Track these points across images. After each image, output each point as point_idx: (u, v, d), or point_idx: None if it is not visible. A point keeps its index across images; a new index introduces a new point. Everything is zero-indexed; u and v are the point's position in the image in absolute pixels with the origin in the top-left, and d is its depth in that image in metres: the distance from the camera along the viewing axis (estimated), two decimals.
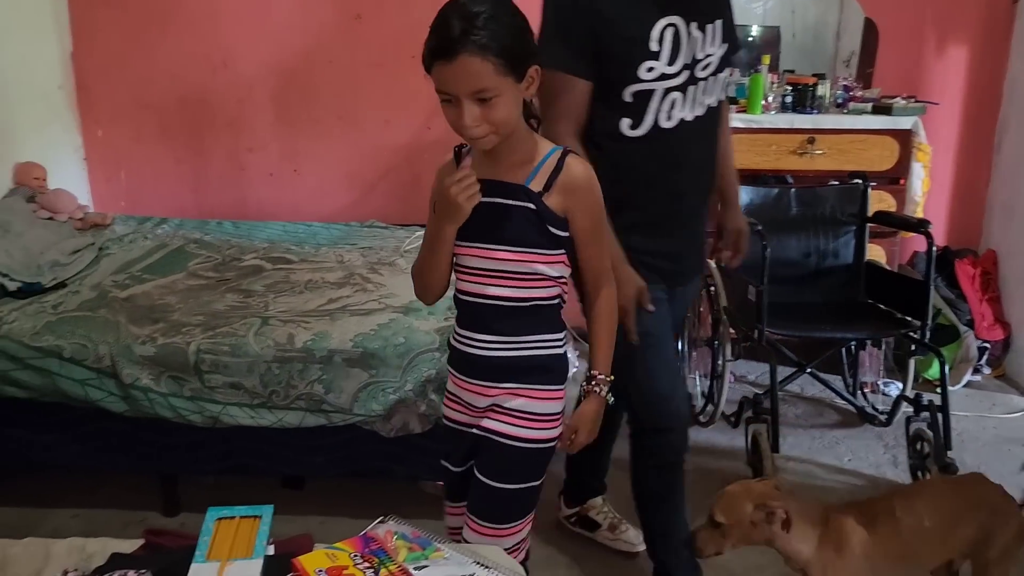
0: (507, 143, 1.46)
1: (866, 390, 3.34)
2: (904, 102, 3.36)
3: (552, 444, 1.60)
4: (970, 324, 3.60)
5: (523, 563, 1.60)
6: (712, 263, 3.12)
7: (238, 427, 2.33)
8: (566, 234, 1.51)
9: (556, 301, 1.57)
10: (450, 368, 1.64)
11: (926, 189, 3.42)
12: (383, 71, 3.80)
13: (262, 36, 3.75)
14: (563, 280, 1.57)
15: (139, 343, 2.33)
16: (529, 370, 1.55)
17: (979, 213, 3.88)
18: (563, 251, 1.53)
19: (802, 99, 3.41)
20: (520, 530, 1.62)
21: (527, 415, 1.56)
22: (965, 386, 3.51)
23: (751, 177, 3.37)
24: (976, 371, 3.57)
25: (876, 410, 3.19)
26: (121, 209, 3.88)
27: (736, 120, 3.36)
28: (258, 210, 3.93)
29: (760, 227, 2.74)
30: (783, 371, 3.06)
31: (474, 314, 1.55)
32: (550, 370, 1.57)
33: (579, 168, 1.51)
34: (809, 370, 3.07)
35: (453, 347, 1.63)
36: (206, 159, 3.93)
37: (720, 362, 3.00)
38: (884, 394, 3.37)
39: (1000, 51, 3.68)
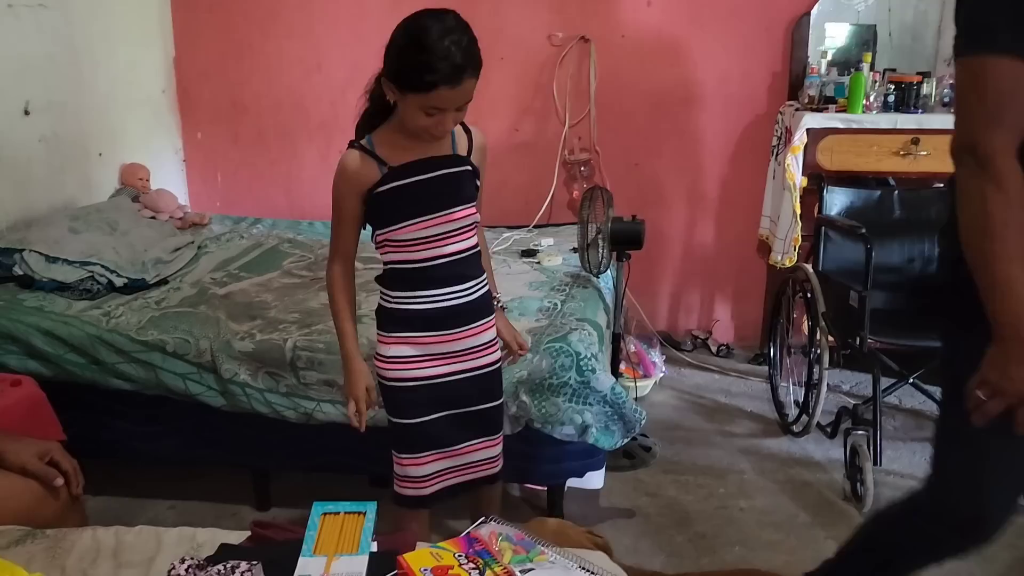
0: None
1: None
2: None
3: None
4: None
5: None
6: (808, 267, 3.03)
7: (330, 424, 2.36)
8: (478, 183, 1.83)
9: (478, 245, 1.89)
10: (399, 334, 1.83)
11: None
12: None
13: (355, 39, 3.81)
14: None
15: (238, 339, 2.39)
16: (486, 306, 1.89)
17: None
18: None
19: (905, 98, 3.28)
20: (502, 438, 2.00)
21: (492, 342, 1.91)
22: None
23: (851, 179, 3.27)
24: None
25: None
26: (217, 209, 4.00)
27: (836, 120, 3.26)
28: None
29: (863, 230, 2.64)
30: (883, 382, 2.94)
31: (446, 272, 1.80)
32: (490, 301, 1.92)
33: (480, 133, 1.84)
34: (912, 380, 2.94)
35: (418, 311, 1.81)
36: (299, 161, 4.02)
37: (817, 370, 2.90)
38: None
39: None
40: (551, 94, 3.79)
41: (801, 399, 3.07)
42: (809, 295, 2.97)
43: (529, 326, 2.41)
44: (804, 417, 3.03)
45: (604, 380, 2.32)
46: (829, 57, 3.58)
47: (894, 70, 3.48)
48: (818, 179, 3.18)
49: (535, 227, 3.68)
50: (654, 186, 3.84)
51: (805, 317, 3.07)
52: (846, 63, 3.54)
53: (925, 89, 3.30)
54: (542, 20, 3.73)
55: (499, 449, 1.99)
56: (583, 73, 3.76)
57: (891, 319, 2.78)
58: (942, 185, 3.08)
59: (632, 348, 3.40)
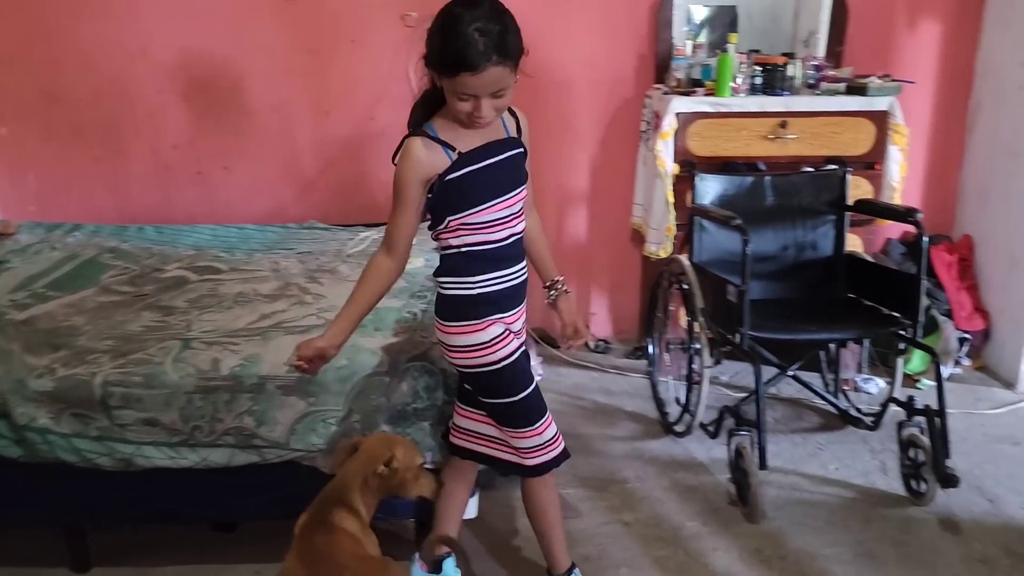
0: None
1: (846, 388, 3.14)
2: (879, 81, 3.16)
3: None
4: (948, 314, 3.43)
5: (550, 460, 1.96)
6: (683, 259, 2.89)
7: (156, 469, 2.01)
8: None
9: None
10: (491, 318, 1.82)
11: (904, 174, 3.23)
12: (320, 58, 3.48)
13: (184, 21, 3.39)
14: None
15: (35, 376, 2.00)
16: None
17: (952, 197, 3.72)
18: None
19: (772, 80, 3.19)
20: (544, 430, 1.95)
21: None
22: (946, 380, 3.34)
23: (721, 165, 3.15)
24: (957, 363, 3.41)
25: (859, 411, 2.99)
26: (31, 215, 3.50)
27: (704, 104, 3.13)
28: (185, 213, 3.58)
29: (739, 221, 2.50)
30: (767, 372, 2.83)
31: (510, 252, 1.83)
32: None
33: (522, 112, 1.88)
34: (791, 373, 2.85)
35: (500, 291, 1.82)
36: (125, 158, 3.56)
37: (697, 367, 2.76)
38: (865, 392, 3.18)
39: (972, 26, 3.50)
40: (407, 79, 3.50)
41: (681, 396, 2.94)
42: (685, 287, 2.83)
43: (385, 342, 2.14)
44: (686, 416, 2.90)
45: None
46: (695, 39, 3.45)
47: (758, 51, 3.39)
48: (690, 166, 3.04)
49: None
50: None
51: (682, 310, 2.93)
52: (712, 45, 3.42)
53: (791, 71, 3.22)
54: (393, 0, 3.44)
55: (525, 444, 1.95)
56: None
57: (768, 310, 2.67)
58: (812, 169, 3.01)
59: None
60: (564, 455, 1.95)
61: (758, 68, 3.22)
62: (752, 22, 3.58)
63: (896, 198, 3.20)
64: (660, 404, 3.09)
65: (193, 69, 3.47)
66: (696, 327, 2.76)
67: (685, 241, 2.96)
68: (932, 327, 3.38)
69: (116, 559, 2.21)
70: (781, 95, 3.18)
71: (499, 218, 1.78)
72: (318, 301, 2.46)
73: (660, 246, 3.20)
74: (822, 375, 3.13)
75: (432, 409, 2.03)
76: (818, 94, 3.21)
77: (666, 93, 3.23)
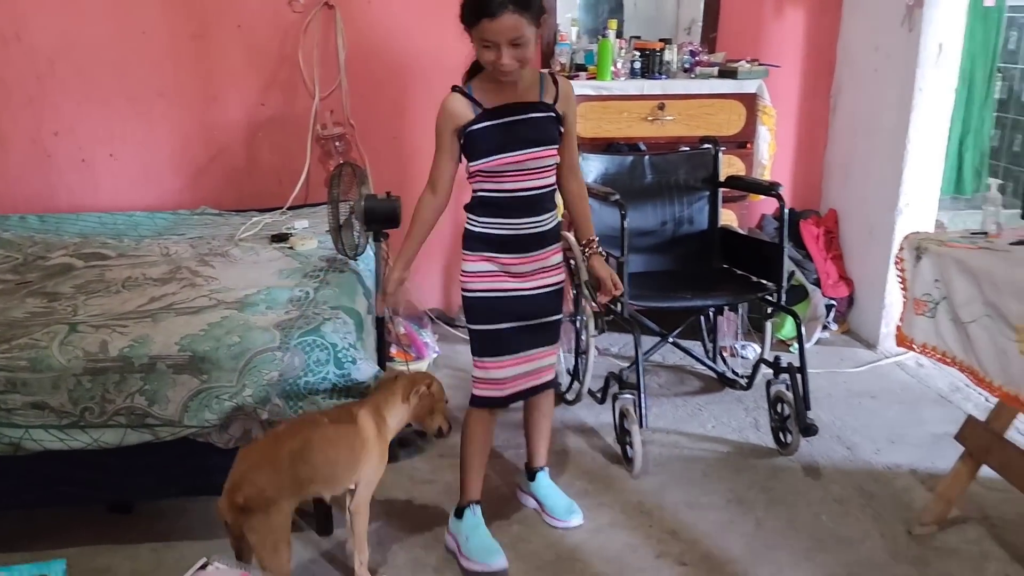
0: (525, 72, 1.95)
1: (725, 354, 3.35)
2: (748, 65, 3.37)
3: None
4: (817, 283, 3.70)
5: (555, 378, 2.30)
6: (570, 236, 3.03)
7: (47, 452, 2.02)
8: (563, 129, 2.06)
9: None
10: (482, 253, 2.09)
11: (772, 152, 3.46)
12: (206, 43, 3.46)
13: (60, 4, 3.32)
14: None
15: None
16: (555, 234, 2.14)
17: (819, 174, 3.99)
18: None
19: (650, 65, 3.36)
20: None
21: (559, 265, 2.17)
22: (815, 343, 3.60)
23: (604, 146, 3.30)
24: (825, 328, 3.67)
25: (736, 374, 3.21)
26: None
27: (586, 87, 3.27)
28: (69, 201, 3.51)
29: (617, 196, 2.65)
30: (646, 342, 3.01)
31: (525, 204, 2.05)
32: (558, 232, 2.16)
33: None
34: (671, 340, 3.03)
35: (499, 235, 2.07)
36: (5, 146, 3.46)
37: (584, 338, 2.91)
38: (742, 357, 3.40)
39: (833, 14, 3.77)
40: (297, 65, 3.52)
41: (572, 367, 3.09)
42: (572, 263, 2.96)
43: (277, 320, 2.19)
44: (576, 385, 3.04)
45: (366, 370, 2.16)
46: (578, 25, 3.59)
47: (639, 37, 3.56)
48: None
49: (289, 209, 3.41)
50: (416, 159, 3.68)
51: (570, 285, 3.07)
52: (594, 31, 3.57)
53: (667, 56, 3.40)
54: None
55: (556, 357, 2.27)
56: (330, 42, 3.52)
57: (648, 281, 2.83)
58: (687, 149, 3.20)
59: (402, 330, 3.26)
60: (495, 402, 2.18)
61: (637, 53, 3.39)
62: (638, 10, 3.75)
63: (766, 175, 3.43)
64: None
65: (73, 54, 3.40)
66: (581, 300, 2.91)
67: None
68: (802, 295, 3.63)
69: (11, 544, 2.19)
70: (659, 79, 3.35)
71: (510, 170, 1.99)
72: (210, 283, 2.48)
73: None
74: (703, 342, 3.34)
75: (324, 383, 2.10)
76: (693, 78, 3.41)
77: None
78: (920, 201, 3.38)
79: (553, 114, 2.02)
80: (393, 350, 3.16)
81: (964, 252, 2.02)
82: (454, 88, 2.02)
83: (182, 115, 3.53)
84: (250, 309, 2.25)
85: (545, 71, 2.04)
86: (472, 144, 2.00)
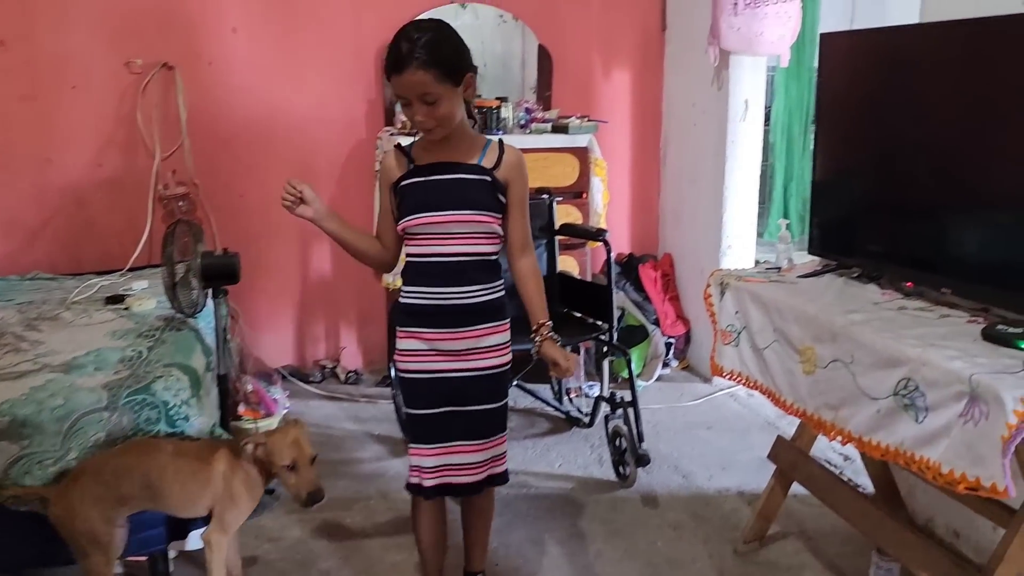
0: (456, 135, 1.91)
1: (572, 395, 3.50)
2: (579, 121, 3.59)
3: (510, 364, 2.06)
4: (657, 323, 3.92)
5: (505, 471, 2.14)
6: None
7: None
8: (506, 200, 1.96)
9: (497, 254, 2.01)
10: (410, 329, 1.98)
11: (606, 201, 3.68)
12: (38, 104, 3.39)
13: None
14: (501, 237, 1.99)
15: None
16: (495, 310, 1.99)
17: (655, 220, 4.26)
18: (502, 215, 1.96)
19: (487, 121, 3.53)
20: (506, 439, 2.12)
21: (499, 346, 2.01)
22: (657, 380, 3.81)
23: None
24: (665, 365, 3.89)
25: (581, 412, 3.35)
26: None
27: None
28: None
29: None
30: None
31: (448, 271, 1.93)
32: (504, 307, 2.02)
33: (516, 152, 2.00)
34: (516, 383, 3.14)
35: (423, 306, 1.96)
36: None
37: None
38: (588, 396, 3.55)
39: (656, 73, 4.08)
40: (136, 125, 3.49)
41: None
42: None
43: (105, 380, 2.15)
44: None
45: (201, 427, 2.14)
46: None
47: (480, 96, 3.73)
48: None
49: (130, 270, 3.34)
50: (263, 217, 3.70)
51: None
52: None
53: (504, 113, 3.58)
54: (116, 46, 3.43)
55: (497, 451, 2.09)
56: (171, 102, 3.52)
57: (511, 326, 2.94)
58: None
59: (250, 387, 3.23)
60: (419, 490, 2.04)
61: (476, 111, 3.54)
62: (488, 70, 3.93)
63: (601, 222, 3.64)
64: (404, 426, 3.27)
65: None
66: None
67: None
68: (644, 335, 3.84)
69: None
70: (496, 134, 3.52)
71: (435, 232, 1.91)
72: (35, 347, 2.40)
73: (396, 276, 3.40)
74: (551, 385, 3.48)
75: None
76: (528, 133, 3.60)
77: (393, 135, 3.47)
78: (740, 242, 3.67)
79: (488, 179, 1.91)
80: (241, 408, 3.13)
81: (758, 285, 2.23)
82: (396, 145, 1.99)
83: (12, 178, 3.42)
84: (77, 371, 2.20)
85: (495, 138, 1.99)
86: (401, 200, 1.93)
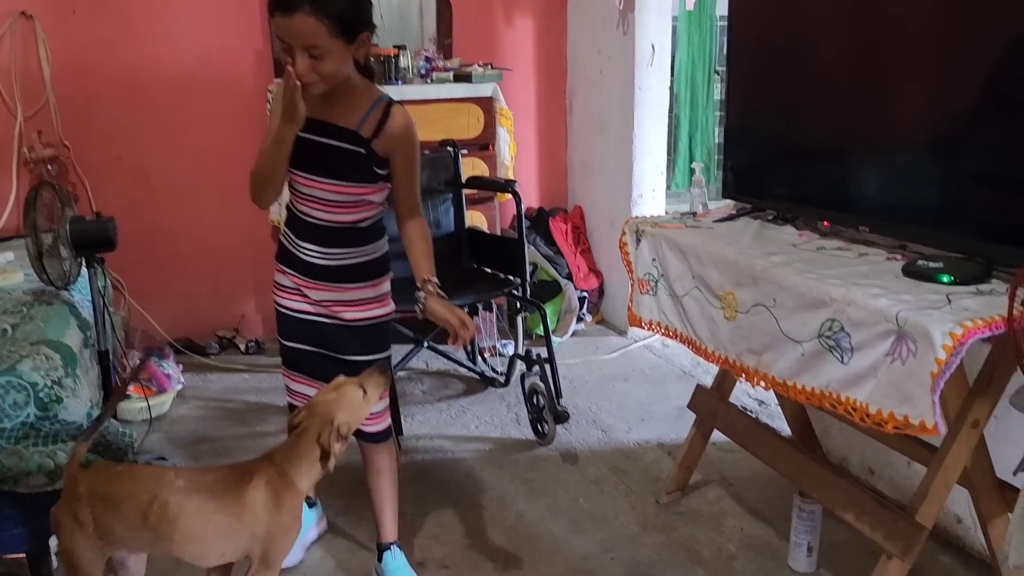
0: (340, 90, 1.75)
1: (486, 355, 3.39)
2: (482, 69, 3.44)
3: (390, 316, 2.00)
4: (569, 277, 3.84)
5: (388, 428, 2.03)
6: None
7: None
8: (386, 172, 1.82)
9: (379, 217, 1.92)
10: (281, 265, 1.95)
11: (513, 153, 3.55)
12: None
13: None
14: (382, 203, 1.90)
15: None
16: (362, 270, 1.92)
17: (563, 172, 4.16)
18: (386, 182, 1.84)
19: (386, 71, 3.34)
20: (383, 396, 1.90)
21: (368, 300, 1.94)
22: (572, 335, 3.74)
23: None
24: (580, 320, 3.82)
25: (496, 372, 3.25)
26: None
27: None
28: None
29: None
30: (401, 349, 2.97)
31: (315, 231, 1.86)
32: (378, 264, 1.96)
33: (401, 118, 1.80)
34: (427, 344, 3.01)
35: (292, 253, 1.91)
36: None
37: None
38: (503, 355, 3.45)
39: (559, 20, 3.94)
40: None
41: None
42: None
43: None
44: None
45: (77, 409, 1.93)
46: None
47: (376, 44, 3.52)
48: None
49: None
50: (144, 179, 3.43)
51: None
52: None
53: (403, 62, 3.39)
54: None
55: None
56: (31, 55, 3.18)
57: (398, 287, 2.78)
58: (428, 153, 3.20)
59: (138, 363, 2.99)
60: (291, 408, 2.02)
61: (373, 62, 3.34)
62: (384, 21, 3.70)
63: (509, 174, 3.51)
64: None
65: None
66: None
67: None
68: (556, 290, 3.76)
69: None
70: (395, 84, 3.33)
71: (308, 194, 1.83)
72: None
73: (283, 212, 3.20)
74: (464, 345, 3.35)
75: (24, 428, 1.86)
76: (430, 83, 3.42)
77: None
78: (651, 191, 3.61)
79: (362, 151, 1.77)
80: (131, 386, 2.90)
81: (674, 231, 2.16)
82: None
83: None
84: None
85: (384, 98, 1.80)
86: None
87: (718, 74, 5.70)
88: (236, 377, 3.40)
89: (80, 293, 2.47)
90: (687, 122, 5.81)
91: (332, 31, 1.61)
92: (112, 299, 2.95)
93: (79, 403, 1.95)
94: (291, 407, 2.04)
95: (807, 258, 1.88)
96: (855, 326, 1.58)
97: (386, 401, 1.97)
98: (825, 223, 2.06)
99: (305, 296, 1.93)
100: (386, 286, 2.00)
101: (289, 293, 1.95)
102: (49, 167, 3.23)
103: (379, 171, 1.81)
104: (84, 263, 2.36)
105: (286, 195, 1.94)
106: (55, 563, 2.06)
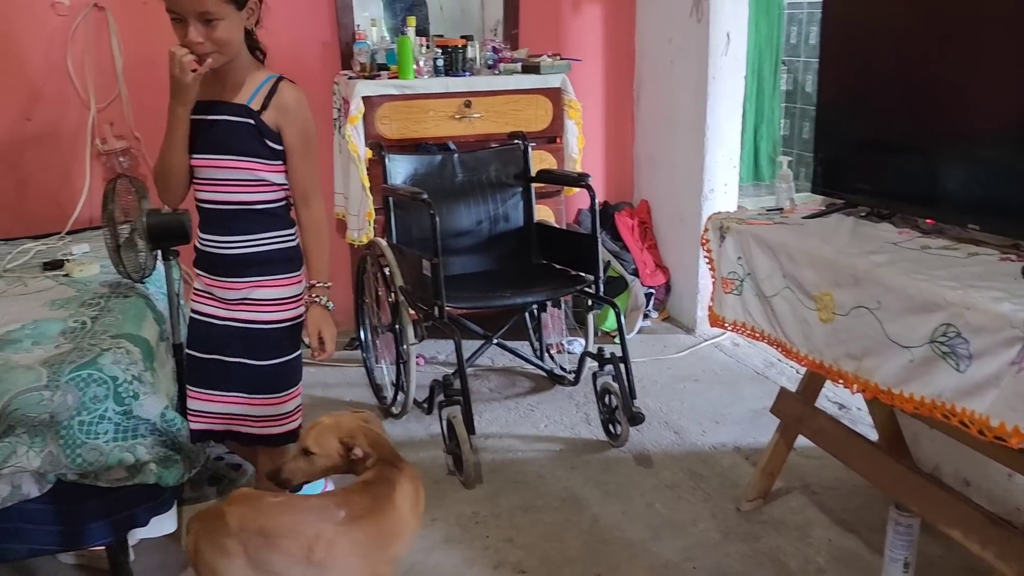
0: (230, 67, 1.77)
1: (553, 351, 3.33)
2: (551, 60, 3.36)
3: (300, 319, 1.94)
4: (635, 273, 3.75)
5: (295, 430, 1.99)
6: (382, 241, 2.90)
7: None
8: (281, 147, 1.82)
9: (283, 202, 1.90)
10: (197, 269, 1.95)
11: (581, 146, 3.47)
12: None
13: None
14: (286, 186, 1.88)
15: None
16: (269, 262, 1.88)
17: (629, 166, 4.07)
18: (281, 162, 1.84)
19: (453, 62, 3.29)
20: (294, 397, 1.99)
21: (275, 300, 1.90)
22: (638, 333, 3.65)
23: (413, 146, 3.19)
24: (646, 316, 3.74)
25: (564, 370, 3.19)
26: None
27: (390, 87, 3.16)
28: None
29: (425, 196, 2.54)
30: (471, 346, 2.92)
31: (214, 218, 1.86)
32: (288, 260, 1.91)
33: (290, 92, 1.83)
34: (496, 341, 2.96)
35: (199, 250, 1.92)
36: None
37: (404, 347, 2.78)
38: (570, 352, 3.38)
39: (628, 8, 3.84)
40: (66, 73, 3.17)
41: (395, 377, 2.95)
42: (387, 270, 2.83)
43: (46, 355, 1.91)
44: (400, 396, 2.91)
45: (151, 406, 1.92)
46: (379, 25, 3.47)
47: (441, 35, 3.48)
48: (381, 149, 3.05)
49: (69, 233, 3.05)
50: None
51: (388, 293, 2.93)
52: (396, 30, 3.46)
53: (470, 52, 3.34)
54: None
55: (273, 411, 1.95)
56: (104, 47, 3.20)
57: (466, 283, 2.75)
58: (497, 145, 3.14)
59: None
60: (190, 434, 1.95)
61: (439, 51, 3.30)
62: (444, 13, 3.67)
63: (577, 168, 3.43)
64: (377, 389, 3.08)
65: None
66: (399, 307, 2.78)
67: (385, 224, 2.97)
68: (622, 286, 3.67)
69: None
70: (463, 76, 3.28)
71: (205, 177, 1.83)
72: None
73: (361, 232, 3.18)
74: (530, 341, 3.30)
75: (102, 422, 1.85)
76: (497, 74, 3.36)
77: (351, 78, 3.21)
78: (724, 186, 3.50)
79: (252, 122, 1.80)
80: None
81: (762, 228, 2.06)
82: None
83: None
84: (12, 347, 1.95)
85: (274, 76, 1.84)
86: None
87: (784, 64, 5.54)
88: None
89: (155, 286, 2.47)
90: (753, 113, 5.65)
91: None
92: (183, 293, 2.95)
93: (156, 398, 1.93)
94: (195, 434, 1.96)
95: (912, 257, 1.77)
96: (974, 332, 1.47)
97: (266, 409, 1.95)
98: (929, 220, 1.94)
99: (216, 299, 1.93)
100: (299, 286, 1.95)
101: (201, 297, 1.96)
102: (121, 159, 3.25)
103: (272, 144, 1.81)
104: (160, 256, 2.36)
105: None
106: (132, 556, 2.07)
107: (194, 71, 1.74)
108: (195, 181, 1.85)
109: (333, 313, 1.98)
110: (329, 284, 1.94)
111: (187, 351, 1.98)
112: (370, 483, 1.70)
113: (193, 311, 1.97)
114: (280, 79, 1.83)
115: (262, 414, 1.97)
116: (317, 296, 1.91)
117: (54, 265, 2.59)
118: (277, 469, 1.78)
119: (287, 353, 1.96)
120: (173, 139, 1.80)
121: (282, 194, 1.90)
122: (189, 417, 1.97)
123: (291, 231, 1.93)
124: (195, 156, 1.82)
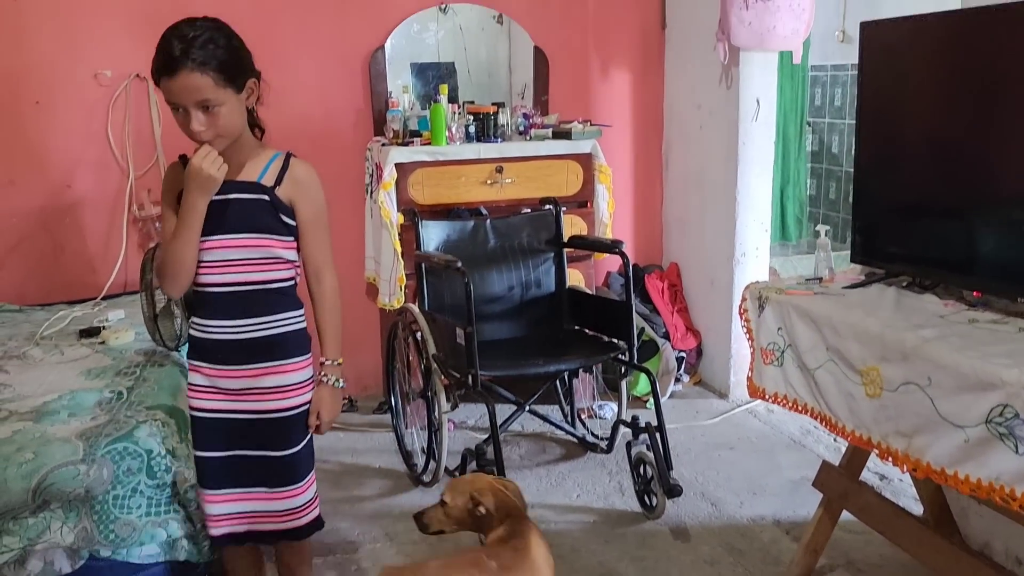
0: (235, 148, 1.74)
1: (583, 416, 3.28)
2: (581, 126, 3.39)
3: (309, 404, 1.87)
4: (666, 336, 3.72)
5: (319, 517, 1.95)
6: (414, 307, 2.90)
7: None
8: (294, 222, 1.80)
9: (293, 282, 1.86)
10: (193, 362, 1.84)
11: (612, 210, 3.47)
12: None
13: None
14: (296, 263, 1.84)
15: None
16: (279, 345, 1.82)
17: (659, 229, 4.06)
18: (294, 238, 1.81)
19: (485, 128, 3.32)
20: (311, 484, 1.92)
21: (284, 387, 1.82)
22: (670, 397, 3.60)
23: (445, 212, 3.21)
24: (677, 380, 3.69)
25: (596, 436, 3.14)
26: None
27: (422, 153, 3.19)
28: None
29: (460, 264, 2.54)
30: (502, 412, 2.89)
31: (223, 302, 1.79)
32: (296, 343, 1.85)
33: (303, 166, 1.83)
34: (528, 408, 2.92)
35: (198, 339, 1.83)
36: None
37: (436, 414, 2.75)
38: (600, 418, 3.33)
39: (656, 74, 3.89)
40: (107, 142, 3.24)
41: (427, 445, 2.91)
42: (419, 335, 2.82)
43: (83, 428, 1.91)
44: (432, 464, 2.87)
45: (184, 477, 1.91)
46: (410, 92, 3.52)
47: (472, 102, 3.52)
48: (414, 215, 3.07)
49: (104, 299, 3.09)
50: None
51: (419, 359, 2.91)
52: (427, 97, 3.51)
53: (501, 119, 3.37)
54: (84, 57, 3.18)
55: (294, 503, 1.88)
56: (144, 116, 3.27)
57: (499, 349, 2.73)
58: (529, 211, 3.15)
59: None
60: (213, 540, 1.93)
61: (471, 117, 3.34)
62: (472, 78, 3.73)
63: (608, 232, 3.43)
64: (407, 456, 3.04)
65: None
66: (431, 374, 2.76)
67: (417, 290, 2.97)
68: (653, 350, 3.63)
69: None
70: (495, 142, 3.31)
71: (215, 259, 1.77)
72: (2, 391, 2.15)
73: (393, 297, 3.18)
74: (560, 406, 3.26)
75: (134, 495, 1.83)
76: (528, 140, 3.39)
77: (384, 144, 3.25)
78: (755, 249, 3.49)
79: (267, 198, 1.76)
80: None
81: (802, 299, 2.03)
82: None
83: None
84: (48, 419, 1.95)
85: (283, 153, 1.82)
86: None
87: (809, 125, 5.55)
88: (331, 436, 3.36)
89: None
90: (779, 175, 5.65)
91: (218, 81, 1.64)
92: None
93: (186, 474, 1.92)
94: (215, 540, 1.91)
95: (961, 332, 1.73)
96: None
97: (288, 502, 1.88)
98: (976, 293, 1.91)
99: (220, 391, 1.82)
100: (309, 370, 1.87)
101: (202, 392, 1.84)
102: (157, 225, 3.29)
103: (286, 219, 1.79)
104: None
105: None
106: None
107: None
108: (202, 265, 1.77)
109: (363, 377, 1.98)
110: (340, 361, 1.88)
111: (196, 453, 1.86)
112: (505, 538, 1.78)
113: (194, 409, 1.85)
114: (290, 154, 1.82)
115: (284, 508, 1.88)
116: (326, 375, 1.86)
117: (90, 332, 2.61)
118: (421, 512, 1.91)
119: (301, 440, 1.87)
120: (190, 232, 1.73)
121: (292, 272, 1.85)
122: (208, 523, 1.88)
123: (301, 312, 1.87)
124: (207, 238, 1.75)
